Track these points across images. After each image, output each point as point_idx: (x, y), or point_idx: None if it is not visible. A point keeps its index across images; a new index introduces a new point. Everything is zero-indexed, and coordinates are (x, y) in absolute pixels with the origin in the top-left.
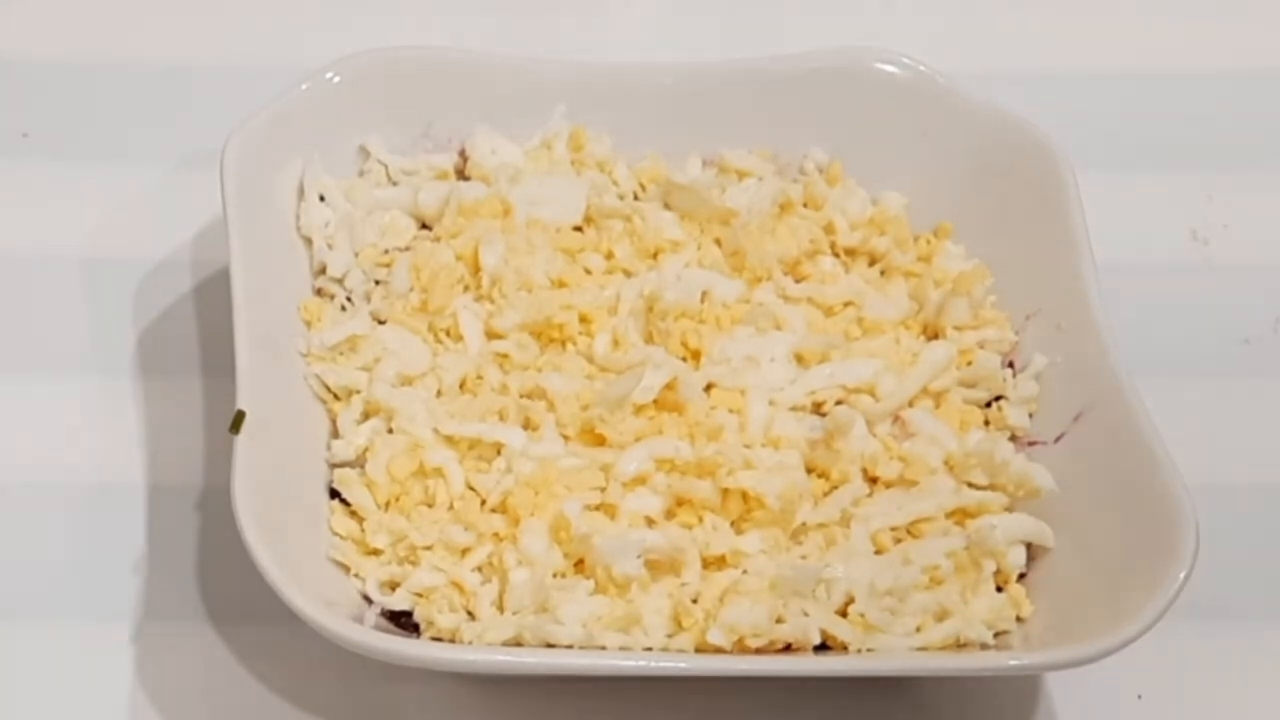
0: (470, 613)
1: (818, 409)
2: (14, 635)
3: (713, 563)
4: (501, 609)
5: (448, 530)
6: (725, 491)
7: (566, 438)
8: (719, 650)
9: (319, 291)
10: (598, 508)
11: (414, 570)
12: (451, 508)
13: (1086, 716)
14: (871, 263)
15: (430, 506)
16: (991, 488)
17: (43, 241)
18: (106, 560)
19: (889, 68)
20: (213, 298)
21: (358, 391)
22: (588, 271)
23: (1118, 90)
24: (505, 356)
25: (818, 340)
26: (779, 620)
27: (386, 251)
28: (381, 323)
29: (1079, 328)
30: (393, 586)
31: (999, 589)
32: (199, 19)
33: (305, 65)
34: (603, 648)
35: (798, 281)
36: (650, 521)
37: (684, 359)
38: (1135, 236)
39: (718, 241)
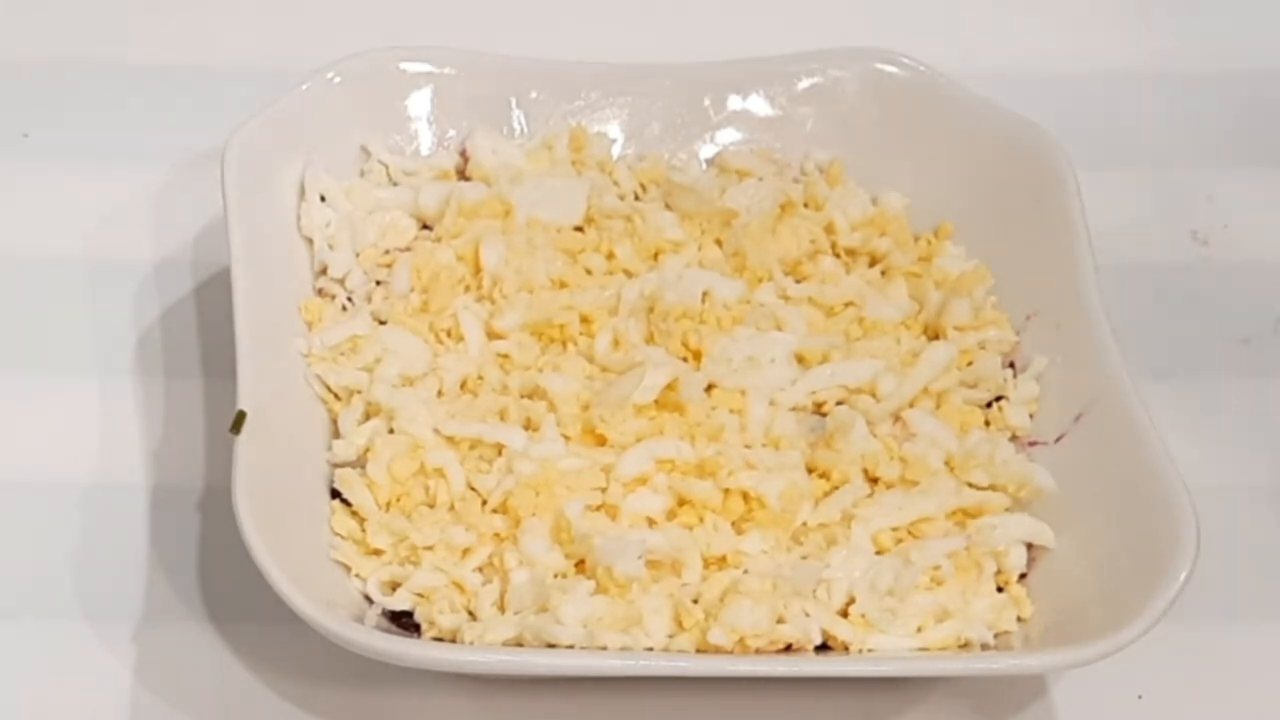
0: (471, 613)
1: (818, 409)
2: (14, 635)
3: (713, 563)
4: (502, 609)
5: (449, 531)
6: (726, 492)
7: (567, 438)
8: (720, 650)
9: (320, 292)
10: (599, 508)
11: (415, 570)
12: (452, 508)
13: (1087, 716)
14: (872, 263)
15: (431, 507)
16: (992, 488)
17: (43, 241)
18: (106, 560)
19: (889, 68)
20: (213, 298)
21: (359, 392)
22: (588, 272)
23: (1118, 90)
24: (506, 357)
25: (818, 341)
26: (780, 620)
27: (387, 252)
28: (382, 323)
29: (1079, 328)
30: (393, 587)
31: (1000, 589)
32: (199, 19)
33: (305, 65)
34: (603, 648)
35: (798, 282)
36: (651, 522)
37: (685, 359)
38: (1135, 236)
39: (718, 242)
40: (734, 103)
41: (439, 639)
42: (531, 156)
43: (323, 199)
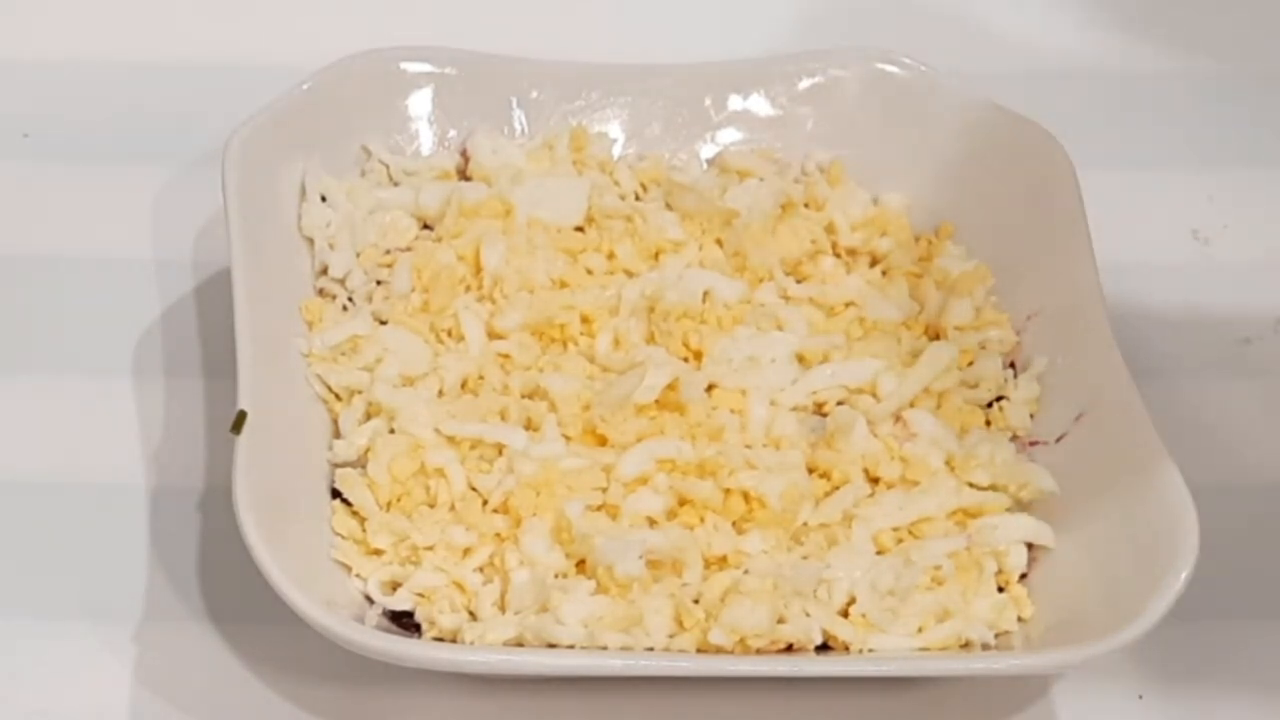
0: (472, 613)
1: (819, 409)
2: (14, 635)
3: (714, 563)
4: (503, 609)
5: (449, 530)
6: (727, 492)
7: (568, 438)
8: (720, 650)
9: (320, 292)
10: (599, 508)
11: (415, 570)
12: (453, 508)
13: (1087, 716)
14: (873, 263)
15: (432, 507)
16: (993, 488)
17: (43, 241)
18: (106, 560)
19: (889, 68)
20: (213, 298)
21: (359, 392)
22: (589, 272)
23: (1118, 90)
24: (507, 357)
25: (819, 341)
26: (780, 620)
27: (388, 252)
28: (383, 323)
29: (1080, 328)
30: (394, 587)
31: (1000, 589)
32: (199, 19)
33: (305, 65)
34: (604, 648)
35: (799, 282)
36: (652, 522)
37: (685, 359)
38: (1135, 236)
39: (719, 242)
40: (734, 103)
41: (439, 639)
42: (532, 156)
43: (323, 199)
